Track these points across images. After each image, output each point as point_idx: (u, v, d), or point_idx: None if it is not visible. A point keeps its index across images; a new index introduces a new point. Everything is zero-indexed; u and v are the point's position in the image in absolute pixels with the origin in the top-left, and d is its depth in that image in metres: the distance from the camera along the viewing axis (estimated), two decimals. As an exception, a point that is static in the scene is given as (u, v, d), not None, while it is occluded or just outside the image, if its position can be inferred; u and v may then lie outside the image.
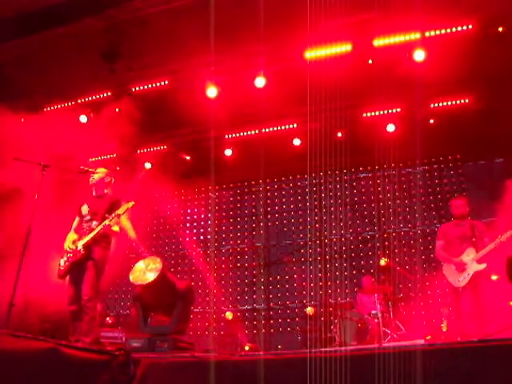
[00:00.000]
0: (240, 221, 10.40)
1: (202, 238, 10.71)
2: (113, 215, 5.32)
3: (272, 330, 9.69)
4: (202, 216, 10.91)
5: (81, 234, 5.46)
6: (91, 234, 5.33)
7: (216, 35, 6.38)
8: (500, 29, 6.65)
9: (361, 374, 3.38)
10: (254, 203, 10.40)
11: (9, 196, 7.08)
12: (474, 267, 6.05)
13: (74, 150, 8.18)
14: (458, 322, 6.19)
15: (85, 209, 5.61)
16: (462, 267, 6.11)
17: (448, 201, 7.04)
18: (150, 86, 8.07)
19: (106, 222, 5.30)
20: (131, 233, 6.47)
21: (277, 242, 10.19)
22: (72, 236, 5.53)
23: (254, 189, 10.46)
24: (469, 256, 6.13)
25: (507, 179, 6.39)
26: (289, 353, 4.14)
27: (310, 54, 7.14)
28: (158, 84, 8.04)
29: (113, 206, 5.45)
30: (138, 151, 9.70)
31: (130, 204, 5.48)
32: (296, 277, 9.71)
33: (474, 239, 6.21)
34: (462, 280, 6.08)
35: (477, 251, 6.11)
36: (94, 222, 5.41)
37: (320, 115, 8.00)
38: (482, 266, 6.04)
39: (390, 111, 8.40)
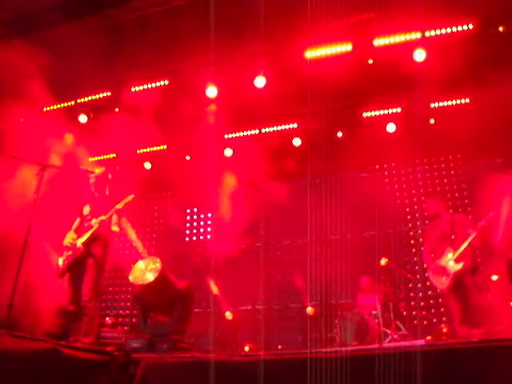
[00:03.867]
0: (240, 221, 10.38)
1: (201, 237, 10.70)
2: (112, 210, 5.32)
3: (272, 330, 9.67)
4: (202, 216, 10.91)
5: (80, 234, 5.46)
6: (90, 231, 5.34)
7: (216, 35, 6.38)
8: (500, 29, 6.64)
9: (361, 375, 3.37)
10: (253, 203, 10.38)
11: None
12: (452, 268, 5.92)
13: (75, 149, 8.19)
14: (451, 324, 6.16)
15: (86, 209, 5.62)
16: (439, 271, 6.02)
17: (448, 201, 7.01)
18: (150, 85, 8.07)
19: (103, 217, 5.30)
20: (132, 235, 6.48)
21: (277, 241, 10.19)
22: (71, 235, 5.53)
23: (253, 189, 10.44)
24: (447, 257, 6.02)
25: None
26: (289, 353, 4.13)
27: (310, 53, 7.14)
28: (157, 84, 8.04)
29: (114, 206, 5.46)
30: (138, 151, 9.70)
31: (130, 198, 5.48)
32: (296, 277, 9.71)
33: (453, 236, 6.08)
34: (444, 282, 5.98)
35: (455, 249, 5.97)
36: (94, 220, 5.40)
37: (320, 115, 8.02)
38: (459, 266, 5.87)
39: (390, 111, 8.39)
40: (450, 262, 5.95)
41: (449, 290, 5.98)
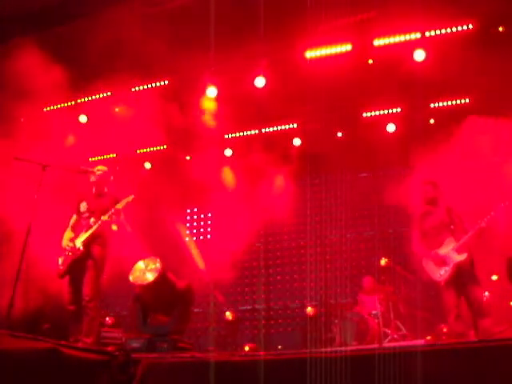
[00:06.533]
0: (240, 221, 10.38)
1: (201, 237, 10.71)
2: (112, 210, 5.32)
3: (272, 330, 9.68)
4: (202, 216, 10.90)
5: (78, 232, 5.45)
6: (90, 231, 5.32)
7: (216, 35, 6.38)
8: (500, 29, 6.65)
9: (361, 375, 3.38)
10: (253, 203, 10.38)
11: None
12: (453, 258, 5.54)
13: (74, 149, 8.20)
14: (447, 319, 5.75)
15: (83, 206, 5.59)
16: (440, 261, 5.60)
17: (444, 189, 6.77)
18: (149, 85, 8.07)
19: (104, 217, 5.29)
20: (127, 227, 6.50)
21: (277, 241, 10.20)
22: (69, 234, 5.51)
23: (253, 189, 10.44)
24: (448, 247, 5.61)
25: None
26: (289, 353, 4.13)
27: (311, 54, 7.14)
28: (157, 84, 8.04)
29: (112, 204, 5.44)
30: (138, 151, 9.70)
31: (130, 198, 5.48)
32: (296, 277, 9.73)
33: (452, 226, 5.72)
34: (443, 274, 5.57)
35: (456, 240, 5.61)
36: (92, 219, 5.38)
37: (320, 115, 8.02)
38: (463, 257, 5.51)
39: (390, 111, 8.40)
40: (452, 252, 5.58)
41: (447, 282, 5.56)
